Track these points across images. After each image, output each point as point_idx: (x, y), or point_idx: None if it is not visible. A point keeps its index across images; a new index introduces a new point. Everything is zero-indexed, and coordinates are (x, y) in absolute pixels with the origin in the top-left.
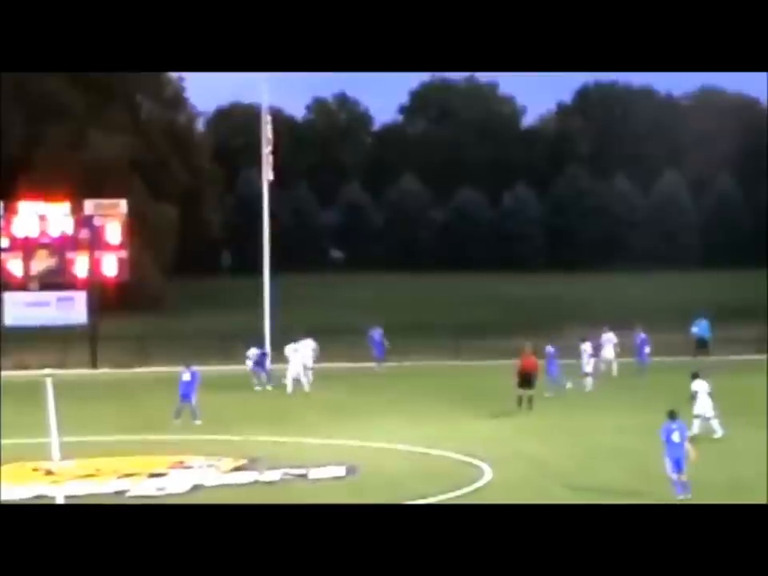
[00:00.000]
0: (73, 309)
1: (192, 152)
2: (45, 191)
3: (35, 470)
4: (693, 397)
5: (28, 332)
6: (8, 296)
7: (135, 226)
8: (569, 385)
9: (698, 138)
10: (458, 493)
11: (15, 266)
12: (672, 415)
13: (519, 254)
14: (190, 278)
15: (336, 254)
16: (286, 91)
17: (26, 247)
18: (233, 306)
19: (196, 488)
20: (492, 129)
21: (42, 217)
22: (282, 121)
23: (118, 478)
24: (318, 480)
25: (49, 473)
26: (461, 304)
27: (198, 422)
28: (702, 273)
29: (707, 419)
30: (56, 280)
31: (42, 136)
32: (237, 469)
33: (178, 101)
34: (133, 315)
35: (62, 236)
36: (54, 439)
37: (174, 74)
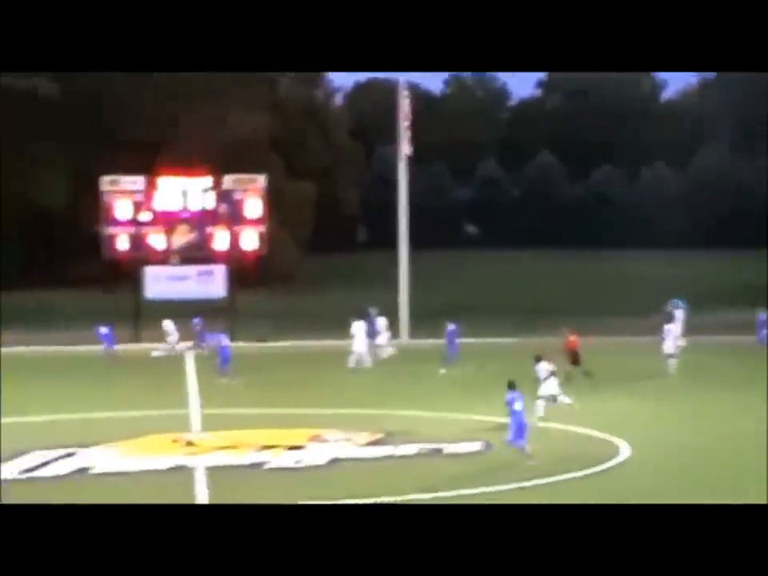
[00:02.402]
0: (212, 282)
1: (329, 128)
2: (185, 167)
3: (175, 441)
4: (543, 379)
5: (168, 305)
6: (150, 270)
7: (272, 202)
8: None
9: None
10: (596, 469)
11: (157, 241)
12: (511, 385)
13: (656, 232)
14: (325, 253)
15: (471, 229)
16: None
17: (168, 222)
18: (368, 281)
19: (333, 461)
20: (631, 104)
21: (183, 191)
22: (419, 96)
23: (257, 450)
24: (454, 455)
25: (188, 444)
26: (593, 283)
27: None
28: None
29: (553, 400)
30: (196, 254)
31: (183, 114)
32: (373, 443)
33: (315, 77)
34: (269, 290)
35: (202, 210)
36: (193, 411)
37: None
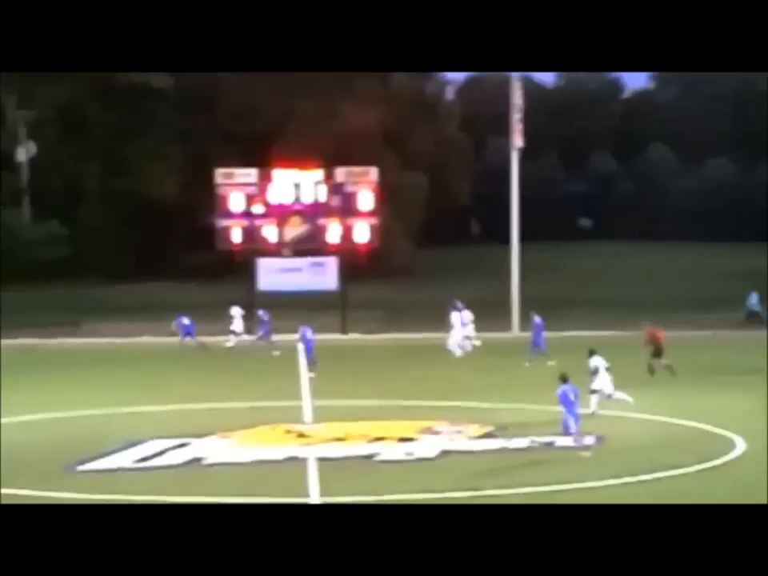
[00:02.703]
0: (324, 275)
1: (441, 121)
2: (298, 160)
3: (288, 432)
4: (593, 373)
5: (281, 297)
6: (262, 262)
7: (384, 194)
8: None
9: None
10: (709, 464)
11: (270, 233)
12: (564, 378)
13: None
14: (437, 246)
15: (585, 222)
16: None
17: (280, 214)
18: (480, 274)
19: (444, 453)
20: (745, 96)
21: (296, 184)
22: (531, 88)
23: (368, 441)
24: (566, 448)
25: (301, 435)
26: (705, 276)
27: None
28: None
29: (607, 396)
30: (308, 246)
31: (294, 107)
32: (484, 435)
33: None
34: (381, 283)
35: (315, 203)
36: (306, 403)
37: None
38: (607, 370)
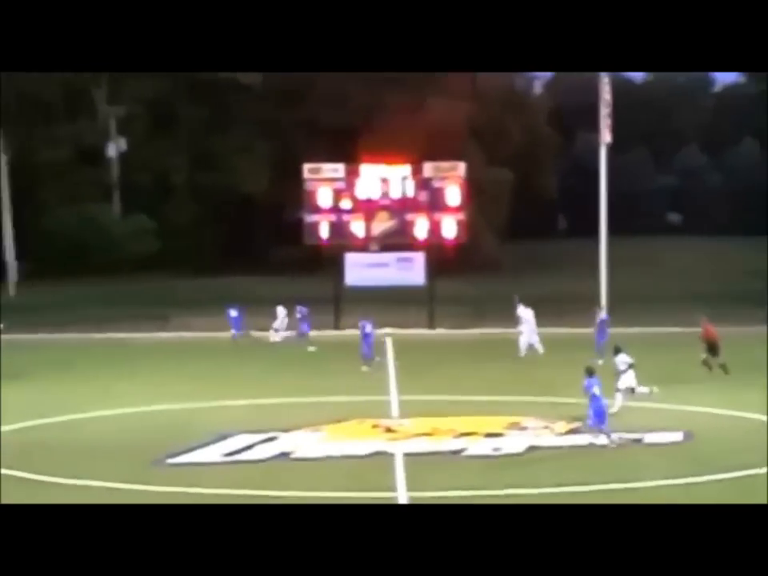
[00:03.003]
0: (412, 270)
1: (528, 116)
2: (386, 154)
3: (375, 426)
4: (620, 371)
5: (367, 292)
6: (350, 257)
7: (471, 189)
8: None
9: None
10: None
11: (357, 228)
12: (590, 372)
13: None
14: (524, 241)
15: (674, 217)
16: None
17: (368, 209)
18: (567, 269)
19: (531, 449)
20: None
21: (383, 179)
22: (619, 83)
23: (455, 437)
24: (654, 445)
25: (388, 430)
26: None
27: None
28: None
29: (632, 391)
30: (396, 241)
31: (383, 101)
32: (571, 431)
33: None
34: (468, 277)
35: (402, 198)
36: (393, 397)
37: None
38: (631, 366)
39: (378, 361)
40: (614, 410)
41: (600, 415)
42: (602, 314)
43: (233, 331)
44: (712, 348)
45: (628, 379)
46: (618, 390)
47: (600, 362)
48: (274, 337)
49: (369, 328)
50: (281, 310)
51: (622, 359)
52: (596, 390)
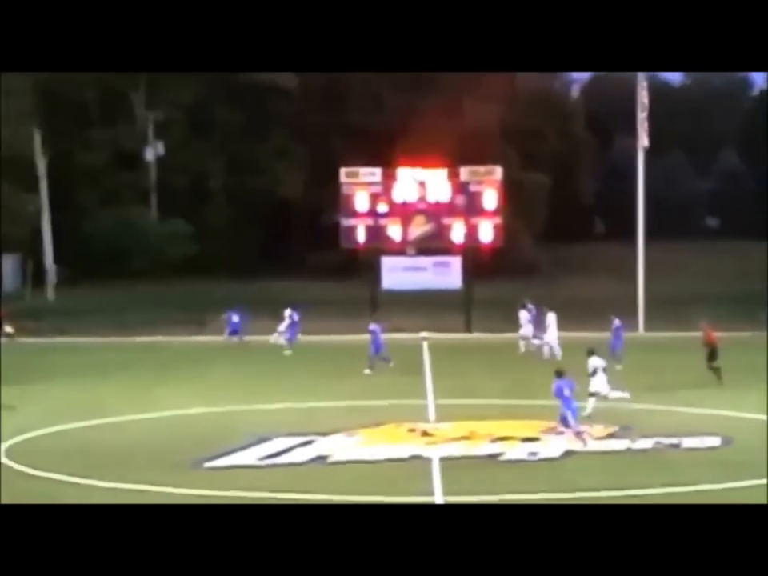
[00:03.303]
0: (448, 273)
1: (565, 120)
2: (422, 158)
3: (411, 430)
4: (591, 374)
5: (404, 296)
6: (386, 260)
7: (508, 193)
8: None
9: None
10: None
11: (394, 232)
12: (559, 374)
13: None
14: (561, 244)
15: (712, 221)
16: None
17: (405, 213)
18: (604, 273)
19: (568, 454)
20: None
21: (420, 183)
22: (657, 87)
23: (492, 441)
24: (692, 450)
25: (425, 434)
26: None
27: (391, 365)
28: None
29: (604, 397)
30: (432, 245)
31: (419, 104)
32: (609, 436)
33: None
34: (505, 281)
35: (439, 202)
36: (429, 401)
37: None
38: (604, 370)
39: (390, 365)
40: (586, 413)
41: (572, 416)
42: (616, 321)
43: (230, 335)
44: (711, 353)
45: (598, 382)
46: (590, 394)
47: (618, 367)
48: (277, 339)
49: (378, 331)
50: (288, 313)
51: (594, 362)
52: (566, 393)
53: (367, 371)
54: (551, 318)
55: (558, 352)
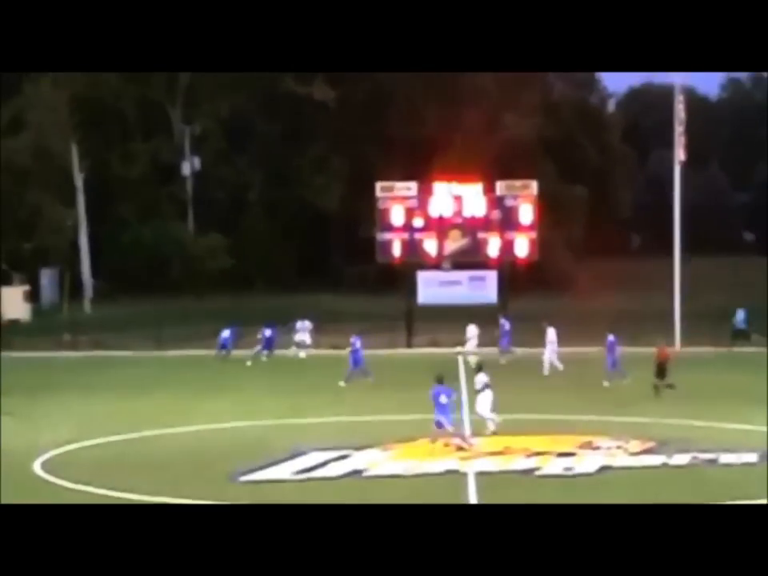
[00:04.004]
0: (484, 288)
1: (603, 132)
2: (459, 172)
3: (446, 445)
4: (478, 390)
5: (441, 310)
6: (422, 275)
7: (545, 206)
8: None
9: None
10: None
11: (430, 246)
12: (439, 380)
13: None
14: (598, 258)
15: (749, 236)
16: None
17: (440, 227)
18: (641, 287)
19: (604, 469)
20: None
21: (456, 197)
22: (694, 100)
23: (527, 456)
24: (729, 465)
25: (459, 449)
26: None
27: (370, 379)
28: None
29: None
30: (468, 259)
31: (457, 118)
32: (645, 451)
33: (590, 81)
34: (542, 295)
35: (475, 216)
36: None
37: None
38: (488, 387)
39: (369, 380)
40: (490, 431)
41: (446, 421)
42: (610, 336)
43: (219, 350)
44: (660, 370)
45: (484, 400)
46: (477, 413)
47: (606, 383)
48: (297, 352)
49: (358, 344)
50: (301, 325)
51: (481, 379)
52: (443, 399)
53: (342, 384)
54: (551, 333)
55: (559, 366)
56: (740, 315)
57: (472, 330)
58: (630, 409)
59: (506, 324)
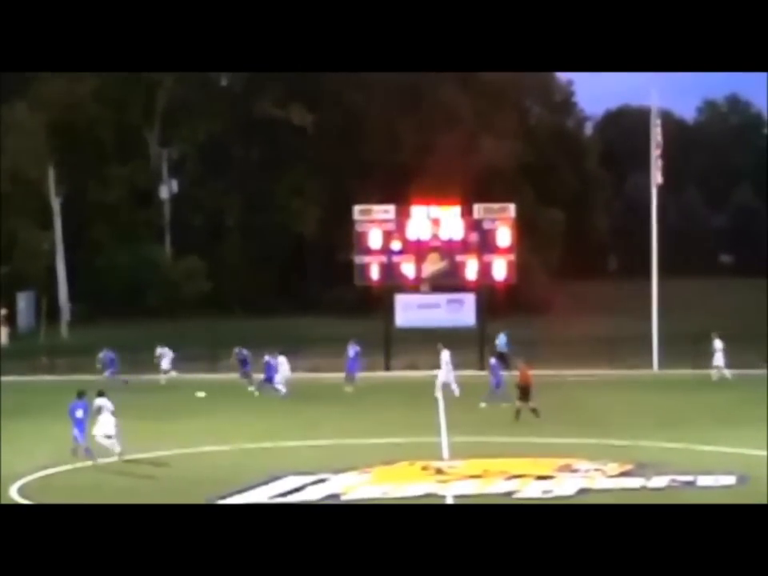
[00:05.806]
0: (462, 311)
1: (580, 156)
2: (436, 195)
3: (425, 468)
4: (96, 413)
5: (418, 333)
6: (400, 298)
7: (523, 229)
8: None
9: None
10: None
11: (408, 269)
12: (80, 395)
13: None
14: (575, 281)
15: (726, 258)
16: (676, 93)
17: (418, 250)
18: (618, 310)
19: (582, 492)
20: None
21: (434, 220)
22: (671, 123)
23: (506, 479)
24: (706, 488)
25: (438, 472)
26: None
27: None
28: None
29: (108, 438)
30: (446, 282)
31: (434, 141)
32: (623, 474)
33: (566, 105)
34: (519, 318)
35: (452, 239)
36: (443, 439)
37: (563, 78)
38: (112, 413)
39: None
40: (116, 454)
41: (79, 435)
42: (492, 360)
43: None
44: (524, 392)
45: (106, 423)
46: (95, 435)
47: (483, 404)
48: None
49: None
50: (164, 351)
51: (100, 402)
52: (79, 414)
53: (251, 389)
54: (445, 354)
55: (456, 390)
56: (502, 339)
57: (446, 355)
58: (610, 431)
59: (351, 350)
